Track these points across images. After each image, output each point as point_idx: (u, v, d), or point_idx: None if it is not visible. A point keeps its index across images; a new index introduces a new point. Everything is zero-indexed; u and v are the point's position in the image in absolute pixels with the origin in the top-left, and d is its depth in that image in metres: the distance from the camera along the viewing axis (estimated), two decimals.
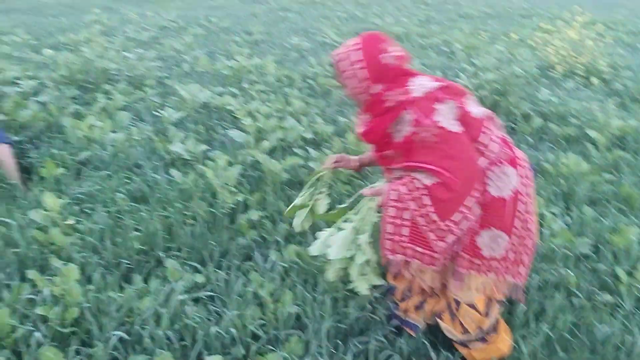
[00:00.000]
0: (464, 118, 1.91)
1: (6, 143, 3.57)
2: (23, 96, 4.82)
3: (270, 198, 3.36)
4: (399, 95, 1.94)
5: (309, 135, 4.35)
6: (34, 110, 4.45)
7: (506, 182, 1.95)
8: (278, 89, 5.70)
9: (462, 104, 1.93)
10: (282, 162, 3.70)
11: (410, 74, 2.00)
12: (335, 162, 2.45)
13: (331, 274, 2.15)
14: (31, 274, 2.49)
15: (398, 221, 1.91)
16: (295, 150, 4.05)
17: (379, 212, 2.08)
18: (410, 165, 1.91)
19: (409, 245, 1.92)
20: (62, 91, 5.09)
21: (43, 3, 11.05)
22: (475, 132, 1.93)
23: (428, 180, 1.85)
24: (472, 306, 2.11)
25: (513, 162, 1.99)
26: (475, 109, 1.98)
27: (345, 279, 2.24)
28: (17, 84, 5.12)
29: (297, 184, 3.63)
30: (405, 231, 1.91)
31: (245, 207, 3.31)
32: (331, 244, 2.08)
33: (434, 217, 1.86)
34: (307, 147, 4.11)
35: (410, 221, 1.90)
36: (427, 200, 1.85)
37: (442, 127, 1.84)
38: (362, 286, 2.14)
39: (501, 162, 1.96)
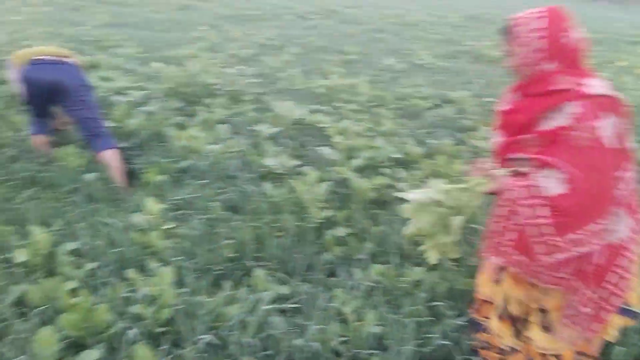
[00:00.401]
0: (619, 140, 1.74)
1: (113, 148, 3.84)
2: (131, 105, 5.16)
3: (357, 216, 3.38)
4: (570, 83, 1.78)
5: (398, 156, 4.34)
6: (140, 119, 4.76)
7: (616, 227, 1.79)
8: (370, 109, 5.75)
9: (623, 126, 1.77)
10: (370, 181, 3.71)
11: (586, 69, 1.85)
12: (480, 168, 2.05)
13: (410, 230, 2.03)
14: (129, 273, 2.65)
15: (506, 223, 1.79)
16: (384, 170, 4.05)
17: (486, 198, 1.94)
18: (543, 159, 1.75)
19: (512, 251, 1.79)
20: (167, 102, 5.40)
21: (154, 19, 11.81)
22: (618, 161, 1.76)
23: (553, 188, 1.70)
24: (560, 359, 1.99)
25: (632, 212, 1.83)
26: (630, 138, 1.81)
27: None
28: (126, 93, 5.51)
29: (383, 203, 3.63)
30: (511, 235, 1.78)
31: (332, 223, 3.35)
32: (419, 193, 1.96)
33: (548, 229, 1.71)
34: (396, 168, 4.11)
35: (519, 226, 1.76)
36: (544, 211, 1.71)
37: (599, 136, 1.69)
38: (432, 255, 2.03)
39: (621, 205, 1.79)
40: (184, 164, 4.03)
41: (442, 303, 2.60)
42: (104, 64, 6.81)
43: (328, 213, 3.36)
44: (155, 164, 3.96)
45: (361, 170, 4.04)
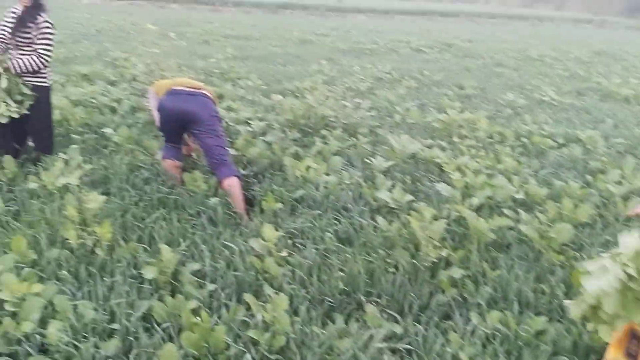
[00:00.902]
0: None
1: (236, 176, 4.01)
2: (252, 135, 5.39)
3: (474, 257, 3.25)
4: None
5: (519, 196, 4.15)
6: (260, 149, 4.95)
7: None
8: (489, 145, 5.58)
9: None
10: (489, 222, 3.57)
11: None
12: None
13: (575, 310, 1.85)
14: (247, 297, 2.73)
15: None
16: (504, 210, 3.88)
17: None
18: None
19: None
20: (285, 133, 5.59)
21: (274, 53, 12.39)
22: None
23: None
24: None
25: None
26: None
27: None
28: (248, 123, 5.77)
29: (503, 246, 3.47)
30: None
31: (448, 263, 3.24)
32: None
33: None
34: (517, 209, 3.92)
35: None
36: None
37: None
38: (605, 332, 1.82)
39: None
40: (299, 193, 4.12)
41: (567, 358, 2.41)
42: (229, 95, 7.21)
43: (443, 252, 3.26)
44: (272, 192, 4.08)
45: (479, 209, 3.91)
